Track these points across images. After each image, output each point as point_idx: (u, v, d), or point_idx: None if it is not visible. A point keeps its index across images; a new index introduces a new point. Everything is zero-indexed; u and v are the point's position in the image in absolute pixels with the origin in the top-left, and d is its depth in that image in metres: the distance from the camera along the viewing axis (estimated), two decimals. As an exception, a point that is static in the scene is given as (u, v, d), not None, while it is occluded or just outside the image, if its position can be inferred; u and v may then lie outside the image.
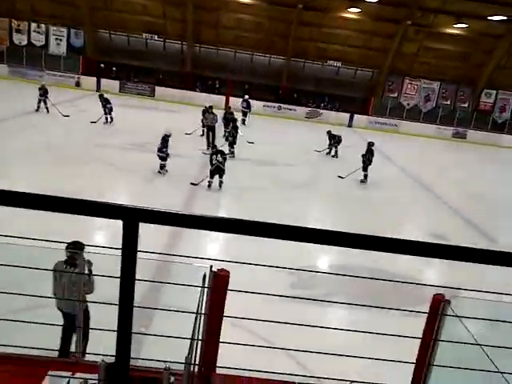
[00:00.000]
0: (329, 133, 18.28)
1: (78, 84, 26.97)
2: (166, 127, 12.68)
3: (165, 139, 12.35)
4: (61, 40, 27.26)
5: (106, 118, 18.21)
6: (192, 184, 11.93)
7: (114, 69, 27.47)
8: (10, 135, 14.32)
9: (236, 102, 23.04)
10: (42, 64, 27.16)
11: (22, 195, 1.34)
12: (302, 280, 7.48)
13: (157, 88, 27.21)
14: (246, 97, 23.01)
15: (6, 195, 1.34)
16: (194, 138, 17.54)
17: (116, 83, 27.07)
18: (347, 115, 27.52)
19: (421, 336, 2.61)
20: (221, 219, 1.43)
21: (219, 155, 11.81)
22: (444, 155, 23.23)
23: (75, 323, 4.51)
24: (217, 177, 11.84)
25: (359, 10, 24.73)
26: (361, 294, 6.85)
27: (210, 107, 16.96)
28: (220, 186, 11.86)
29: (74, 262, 4.61)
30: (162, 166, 12.47)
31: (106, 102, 18.24)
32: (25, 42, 27.18)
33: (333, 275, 7.31)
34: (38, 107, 18.24)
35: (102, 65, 27.42)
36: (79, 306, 4.50)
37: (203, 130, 17.58)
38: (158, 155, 12.38)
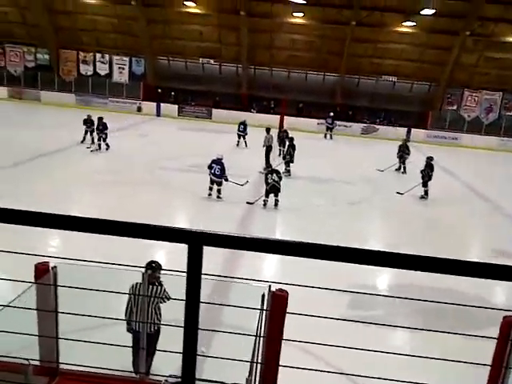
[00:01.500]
0: (405, 141, 17.86)
1: (139, 109, 28.26)
2: (219, 153, 12.43)
3: (222, 164, 12.05)
4: (123, 68, 28.78)
5: (99, 145, 16.73)
6: (248, 203, 12.05)
7: (173, 93, 28.56)
8: (72, 162, 15.18)
9: (290, 121, 23.28)
10: (106, 92, 28.73)
11: (90, 221, 1.43)
12: (360, 300, 7.30)
13: (213, 110, 27.97)
14: (331, 114, 25.32)
15: (75, 221, 1.43)
16: (248, 157, 17.78)
17: (174, 107, 28.13)
18: (404, 130, 26.87)
19: (490, 362, 2.49)
20: (282, 242, 1.42)
21: (275, 174, 11.85)
22: (508, 168, 22.08)
23: (155, 342, 4.65)
24: (272, 196, 11.90)
25: (414, 23, 24.32)
26: (422, 315, 6.60)
27: (268, 129, 17.28)
28: (276, 204, 11.88)
29: (154, 281, 4.67)
30: (220, 191, 12.16)
31: (103, 127, 16.61)
32: (90, 72, 28.93)
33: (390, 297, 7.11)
34: (84, 138, 17.39)
35: (160, 90, 28.59)
36: (154, 327, 4.63)
37: (238, 142, 20.40)
38: (216, 181, 12.08)
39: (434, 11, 22.62)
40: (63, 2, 26.48)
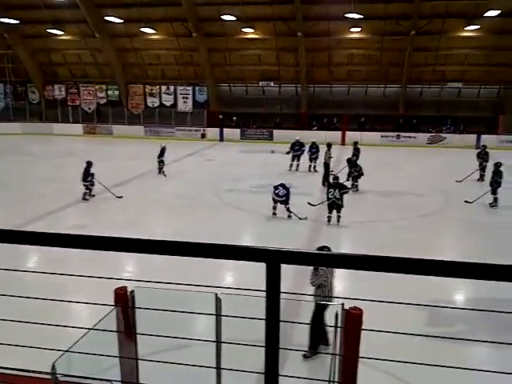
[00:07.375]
0: (484, 147, 17.14)
1: (203, 136, 29.20)
2: (289, 183, 12.40)
3: (288, 190, 12.07)
4: (187, 98, 29.99)
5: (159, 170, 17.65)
6: (309, 204, 12.75)
7: (235, 118, 29.28)
8: (147, 189, 15.93)
9: (353, 136, 22.99)
10: (172, 121, 30.00)
11: (170, 244, 1.48)
12: (436, 316, 7.01)
13: (274, 131, 28.25)
14: (298, 137, 19.92)
15: (149, 244, 1.49)
16: (311, 175, 17.76)
17: (237, 131, 28.76)
18: (473, 136, 25.62)
19: None
20: (358, 257, 1.39)
21: (337, 190, 11.66)
22: None
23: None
24: (335, 212, 11.76)
25: (478, 26, 23.43)
26: (507, 330, 6.23)
27: (329, 145, 17.14)
28: (338, 220, 11.72)
29: None
30: (289, 209, 12.15)
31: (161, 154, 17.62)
32: (157, 104, 30.42)
33: (470, 310, 6.77)
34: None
35: (221, 116, 29.35)
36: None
37: (291, 164, 18.89)
38: (279, 201, 12.15)
39: (499, 12, 21.76)
40: (130, 40, 28.21)
